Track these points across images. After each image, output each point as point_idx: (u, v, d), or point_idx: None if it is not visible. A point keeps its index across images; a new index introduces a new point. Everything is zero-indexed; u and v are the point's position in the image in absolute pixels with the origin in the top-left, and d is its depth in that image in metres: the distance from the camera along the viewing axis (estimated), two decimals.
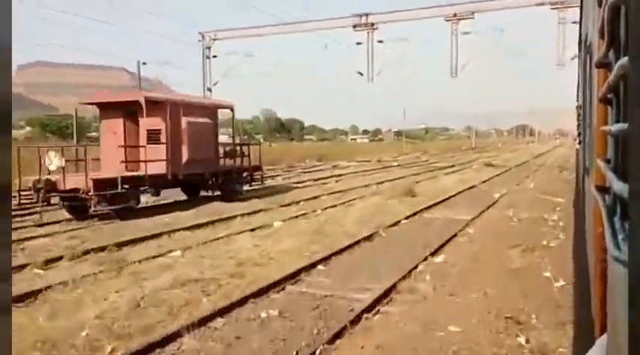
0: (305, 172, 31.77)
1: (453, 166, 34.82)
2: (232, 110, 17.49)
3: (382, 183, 22.58)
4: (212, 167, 15.69)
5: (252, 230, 11.10)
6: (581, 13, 5.79)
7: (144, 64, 29.10)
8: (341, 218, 12.60)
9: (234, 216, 13.04)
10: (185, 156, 14.42)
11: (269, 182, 24.22)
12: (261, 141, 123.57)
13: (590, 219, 2.68)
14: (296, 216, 13.06)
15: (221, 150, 17.04)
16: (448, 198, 16.42)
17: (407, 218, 12.63)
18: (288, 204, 15.65)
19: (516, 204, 14.90)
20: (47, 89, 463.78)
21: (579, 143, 8.03)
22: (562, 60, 22.33)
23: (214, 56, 27.84)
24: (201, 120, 14.99)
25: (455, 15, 22.68)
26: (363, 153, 57.76)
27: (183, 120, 14.30)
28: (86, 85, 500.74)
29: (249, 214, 13.54)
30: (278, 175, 28.08)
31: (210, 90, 28.78)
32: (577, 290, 5.37)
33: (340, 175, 27.70)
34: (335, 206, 15.06)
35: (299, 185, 22.41)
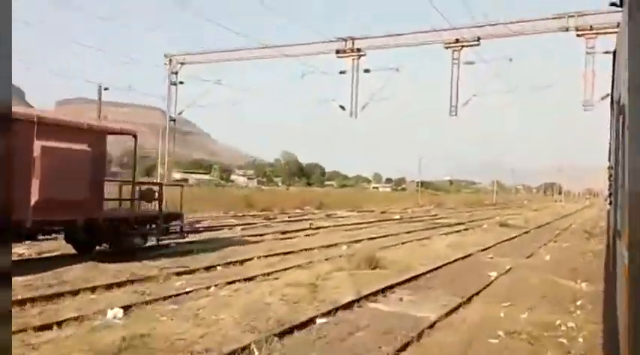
0: (285, 221, 27.16)
1: (460, 224, 29.65)
2: (135, 137, 13.17)
3: (357, 242, 17.83)
4: (90, 212, 11.25)
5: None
6: (613, 74, 5.79)
7: (105, 89, 25.44)
8: (223, 307, 7.87)
9: (77, 291, 8.52)
10: (36, 196, 10.03)
11: (223, 233, 19.73)
12: (279, 184, 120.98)
13: (623, 283, 2.50)
14: (164, 298, 8.39)
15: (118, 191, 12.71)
16: (424, 274, 11.64)
17: (330, 314, 7.83)
18: (192, 271, 11.05)
19: (518, 291, 10.07)
20: None
21: (610, 204, 7.86)
22: (590, 100, 17.54)
23: (181, 82, 24.00)
24: (73, 146, 10.66)
25: (457, 41, 18.33)
26: (375, 203, 53.01)
27: (37, 145, 10.00)
28: (125, 122, 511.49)
29: (107, 286, 9.00)
30: (241, 225, 23.39)
31: (174, 120, 24.86)
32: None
33: (319, 228, 22.99)
34: (253, 278, 10.39)
35: (254, 239, 17.79)
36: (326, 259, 12.99)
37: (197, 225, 21.55)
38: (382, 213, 39.46)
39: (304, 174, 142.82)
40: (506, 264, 13.67)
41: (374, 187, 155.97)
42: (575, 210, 64.78)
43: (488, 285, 10.59)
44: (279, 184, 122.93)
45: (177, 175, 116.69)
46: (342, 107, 20.72)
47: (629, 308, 1.84)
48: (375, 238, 19.29)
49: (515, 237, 21.94)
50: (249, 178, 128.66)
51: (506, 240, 20.03)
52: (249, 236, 18.78)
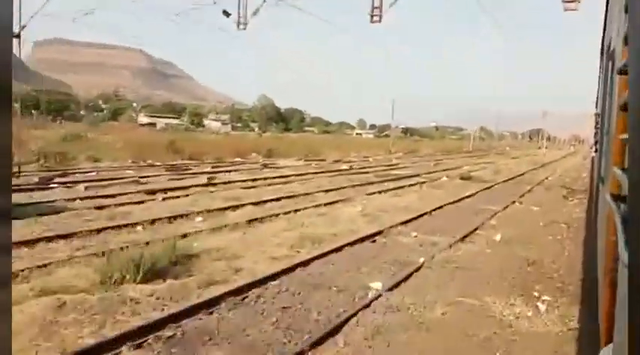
0: (190, 174, 21.31)
1: (414, 176, 23.90)
2: None
3: (237, 207, 12.27)
4: None
5: None
6: (605, 21, 5.67)
7: None
8: None
9: None
10: None
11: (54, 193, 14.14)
12: (255, 130, 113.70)
13: (603, 228, 2.59)
14: None
15: None
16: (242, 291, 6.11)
17: None
18: None
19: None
20: (63, 67, 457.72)
21: (595, 151, 7.66)
22: None
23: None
24: None
25: None
26: (342, 150, 47.28)
27: None
28: (102, 64, 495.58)
29: None
30: (120, 179, 17.62)
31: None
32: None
33: (220, 184, 17.32)
34: None
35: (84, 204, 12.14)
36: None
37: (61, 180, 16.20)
38: (335, 162, 33.67)
39: (282, 119, 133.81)
40: (423, 253, 8.23)
41: (357, 133, 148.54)
42: (558, 157, 59.26)
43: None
44: (255, 129, 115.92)
45: (144, 119, 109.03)
46: (227, 13, 14.46)
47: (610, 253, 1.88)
48: (271, 201, 13.71)
49: (470, 196, 16.50)
50: (223, 123, 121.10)
51: (452, 202, 14.58)
52: (98, 197, 13.19)
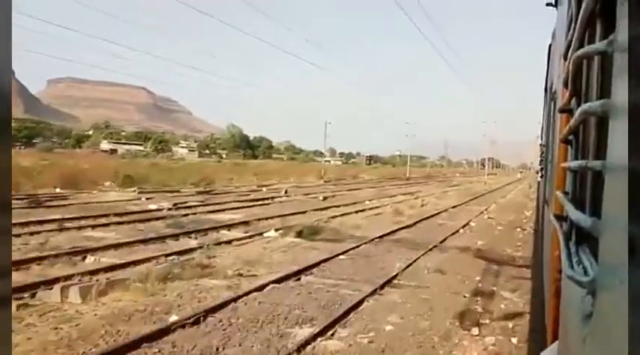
0: None
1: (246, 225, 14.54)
2: None
3: None
4: None
5: None
6: (548, 65, 5.90)
7: None
8: None
9: None
10: None
11: None
12: (223, 156, 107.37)
13: (549, 244, 2.74)
14: None
15: None
16: None
17: None
18: None
19: None
20: (73, 101, 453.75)
21: (541, 177, 7.95)
22: None
23: None
24: None
25: None
26: (285, 175, 45.60)
27: None
28: (109, 100, 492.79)
29: None
30: None
31: None
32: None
33: None
34: None
35: None
36: None
37: None
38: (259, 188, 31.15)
39: (250, 146, 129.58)
40: None
41: (326, 160, 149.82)
42: (502, 184, 53.43)
43: None
44: (223, 156, 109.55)
45: (106, 145, 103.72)
46: None
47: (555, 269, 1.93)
48: None
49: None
50: (190, 150, 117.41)
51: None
52: None
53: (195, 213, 16.53)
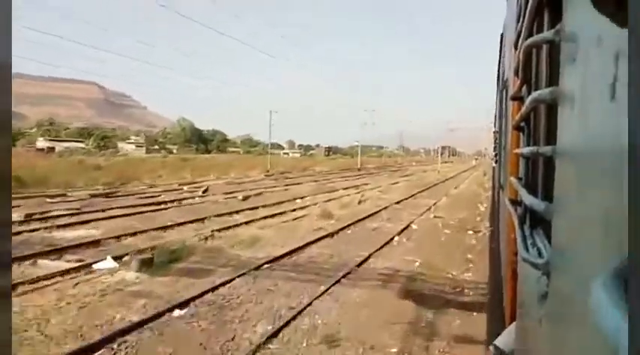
0: None
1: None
2: None
3: None
4: None
5: None
6: (500, 54, 5.94)
7: None
8: None
9: None
10: None
11: None
12: (174, 151, 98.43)
13: (504, 227, 2.72)
14: None
15: None
16: None
17: None
18: None
19: None
20: (20, 99, 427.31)
21: (496, 162, 7.98)
22: None
23: None
24: None
25: None
26: (227, 169, 39.79)
27: None
28: (58, 96, 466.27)
29: None
30: None
31: None
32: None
33: None
34: None
35: None
36: None
37: None
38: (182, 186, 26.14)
39: (203, 140, 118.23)
40: None
41: (284, 153, 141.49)
42: (457, 172, 48.86)
43: None
44: (174, 151, 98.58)
45: (42, 143, 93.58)
46: None
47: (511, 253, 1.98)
48: None
49: None
50: (137, 146, 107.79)
51: None
52: None
53: (39, 229, 11.96)
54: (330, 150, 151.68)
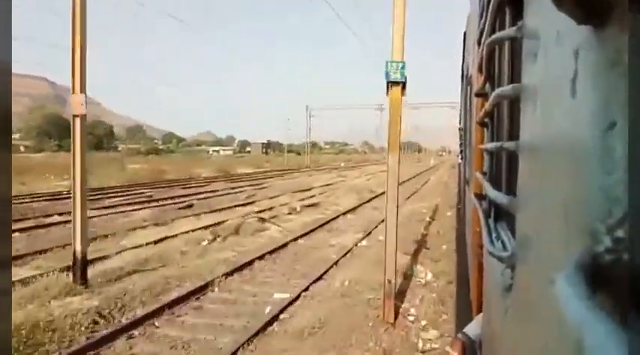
0: None
1: None
2: None
3: None
4: None
5: None
6: (463, 52, 6.18)
7: None
8: None
9: None
10: None
11: None
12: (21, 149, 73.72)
13: (470, 221, 2.80)
14: None
15: None
16: None
17: None
18: None
19: None
20: None
21: (461, 159, 8.20)
22: None
23: None
24: None
25: None
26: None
27: None
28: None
29: None
30: None
31: None
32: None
33: None
34: None
35: None
36: None
37: None
38: None
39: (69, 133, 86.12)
40: None
41: (214, 151, 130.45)
42: (414, 173, 39.02)
43: None
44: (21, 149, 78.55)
45: None
46: None
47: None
48: None
49: None
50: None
51: None
52: None
53: None
54: (268, 147, 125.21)
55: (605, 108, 0.35)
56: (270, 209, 16.00)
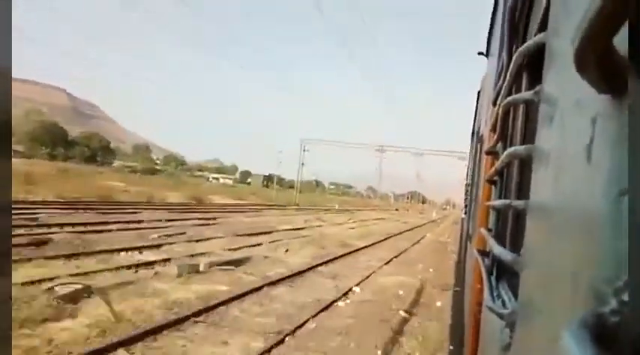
0: None
1: None
2: None
3: None
4: None
5: None
6: (476, 110, 6.42)
7: None
8: None
9: None
10: None
11: None
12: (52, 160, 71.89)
13: (471, 277, 2.77)
14: None
15: None
16: None
17: None
18: None
19: None
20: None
21: (465, 214, 8.39)
22: None
23: None
24: None
25: None
26: None
27: None
28: (24, 100, 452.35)
29: None
30: None
31: None
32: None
33: None
34: None
35: None
36: None
37: None
38: None
39: (69, 143, 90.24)
40: None
41: (214, 178, 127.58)
42: (412, 226, 36.02)
43: None
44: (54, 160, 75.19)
45: None
46: None
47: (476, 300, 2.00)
48: None
49: None
50: None
51: None
52: None
53: None
54: (269, 180, 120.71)
55: (619, 176, 0.35)
56: (152, 264, 10.42)
